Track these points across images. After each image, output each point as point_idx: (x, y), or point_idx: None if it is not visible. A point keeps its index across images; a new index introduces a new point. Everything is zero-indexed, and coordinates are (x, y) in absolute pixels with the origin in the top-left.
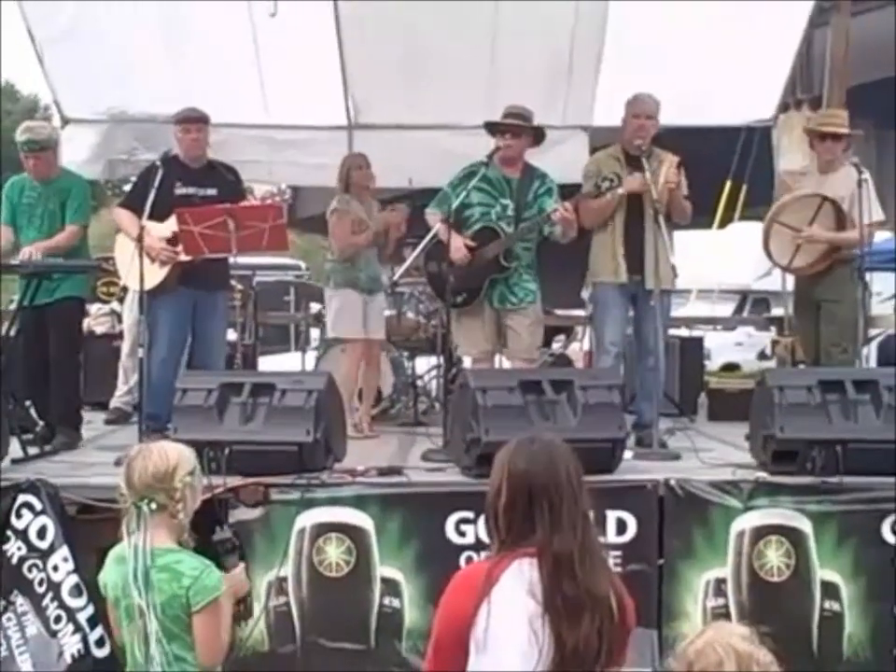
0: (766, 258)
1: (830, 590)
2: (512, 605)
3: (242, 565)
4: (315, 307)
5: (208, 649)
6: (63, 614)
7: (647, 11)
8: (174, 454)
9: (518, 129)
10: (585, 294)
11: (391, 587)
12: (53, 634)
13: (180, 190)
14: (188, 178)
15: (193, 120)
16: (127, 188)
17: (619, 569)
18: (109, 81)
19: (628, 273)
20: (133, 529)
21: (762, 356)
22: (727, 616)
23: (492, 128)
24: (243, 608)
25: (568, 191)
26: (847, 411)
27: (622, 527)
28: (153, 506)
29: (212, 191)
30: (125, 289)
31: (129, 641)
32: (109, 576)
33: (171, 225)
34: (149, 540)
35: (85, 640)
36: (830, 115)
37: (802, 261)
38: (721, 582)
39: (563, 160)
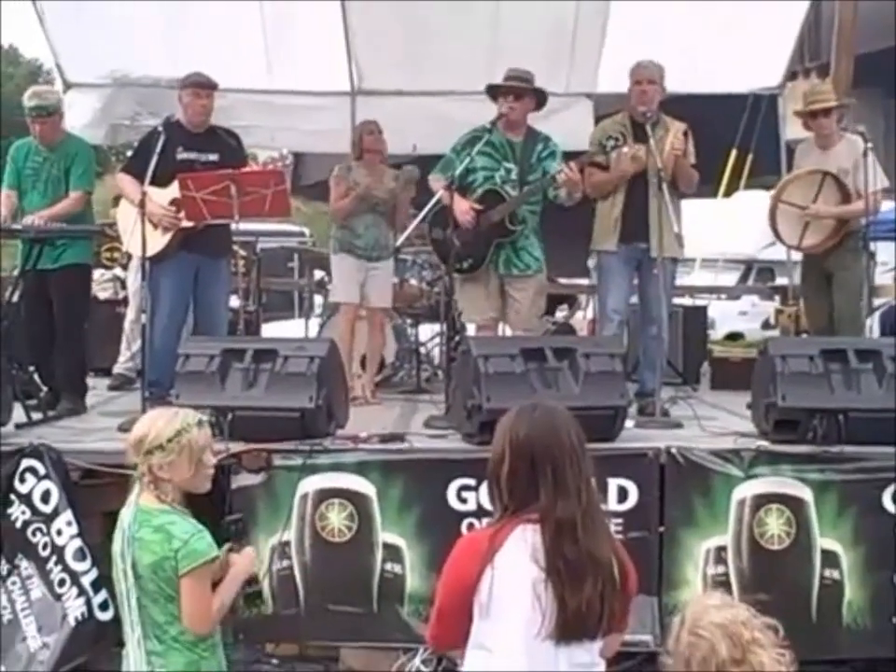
0: (776, 239)
1: (830, 558)
2: (516, 570)
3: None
4: (318, 274)
5: (192, 615)
6: (67, 577)
7: None
8: (144, 425)
9: (520, 91)
10: (591, 263)
11: (393, 553)
12: (57, 597)
13: (182, 155)
14: (189, 143)
15: (204, 86)
16: (130, 153)
17: (620, 537)
18: (112, 45)
19: (632, 241)
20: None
21: (766, 325)
22: (727, 584)
23: (494, 92)
24: (254, 587)
25: (572, 158)
26: (850, 380)
27: (623, 495)
28: (139, 470)
29: (213, 156)
30: (129, 255)
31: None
32: (115, 540)
33: (173, 191)
34: (132, 503)
35: (89, 604)
36: (815, 92)
37: (812, 240)
38: (721, 550)
39: (567, 126)
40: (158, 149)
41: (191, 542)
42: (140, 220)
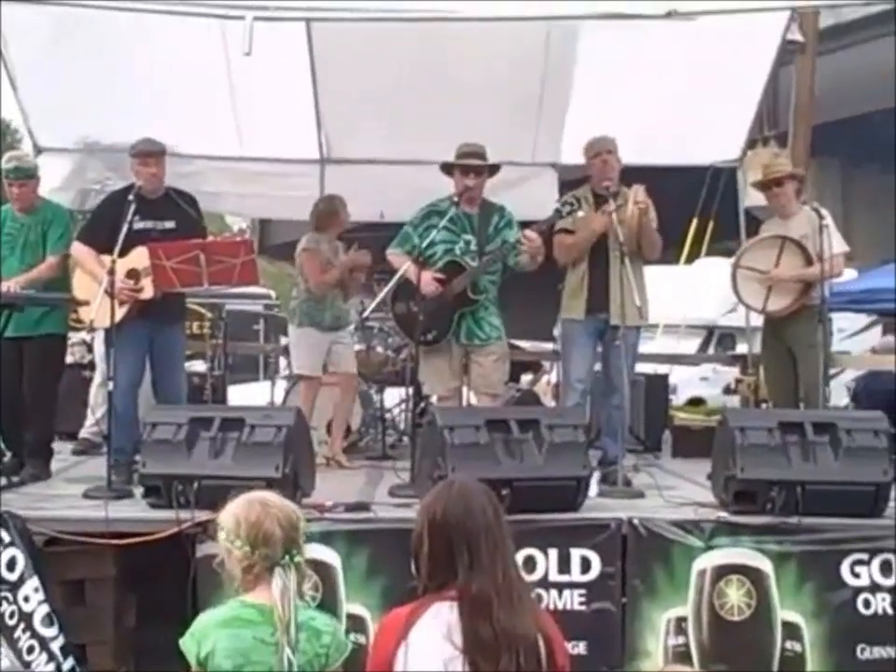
0: (740, 303)
1: (791, 630)
2: (428, 648)
3: None
4: (284, 339)
5: None
6: (36, 644)
7: (615, 52)
8: (287, 504)
9: (481, 168)
10: (557, 332)
11: (358, 623)
12: (27, 665)
13: (138, 225)
14: (145, 212)
15: (151, 154)
16: (85, 221)
17: (583, 608)
18: (83, 111)
19: (593, 311)
20: (277, 588)
21: (727, 390)
22: (688, 655)
23: (449, 168)
24: None
25: (529, 226)
26: (807, 452)
27: (586, 566)
28: (298, 559)
29: (170, 224)
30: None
31: None
32: (219, 643)
33: (130, 261)
34: (293, 597)
35: (59, 669)
36: (769, 164)
37: (778, 305)
38: (681, 621)
39: (532, 195)
40: (129, 218)
41: (338, 634)
42: (109, 290)
